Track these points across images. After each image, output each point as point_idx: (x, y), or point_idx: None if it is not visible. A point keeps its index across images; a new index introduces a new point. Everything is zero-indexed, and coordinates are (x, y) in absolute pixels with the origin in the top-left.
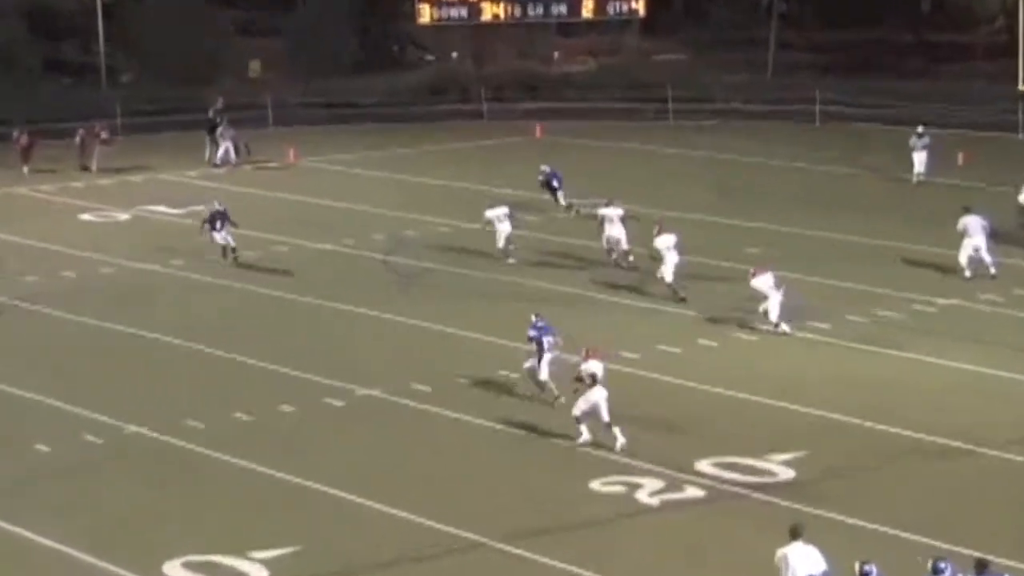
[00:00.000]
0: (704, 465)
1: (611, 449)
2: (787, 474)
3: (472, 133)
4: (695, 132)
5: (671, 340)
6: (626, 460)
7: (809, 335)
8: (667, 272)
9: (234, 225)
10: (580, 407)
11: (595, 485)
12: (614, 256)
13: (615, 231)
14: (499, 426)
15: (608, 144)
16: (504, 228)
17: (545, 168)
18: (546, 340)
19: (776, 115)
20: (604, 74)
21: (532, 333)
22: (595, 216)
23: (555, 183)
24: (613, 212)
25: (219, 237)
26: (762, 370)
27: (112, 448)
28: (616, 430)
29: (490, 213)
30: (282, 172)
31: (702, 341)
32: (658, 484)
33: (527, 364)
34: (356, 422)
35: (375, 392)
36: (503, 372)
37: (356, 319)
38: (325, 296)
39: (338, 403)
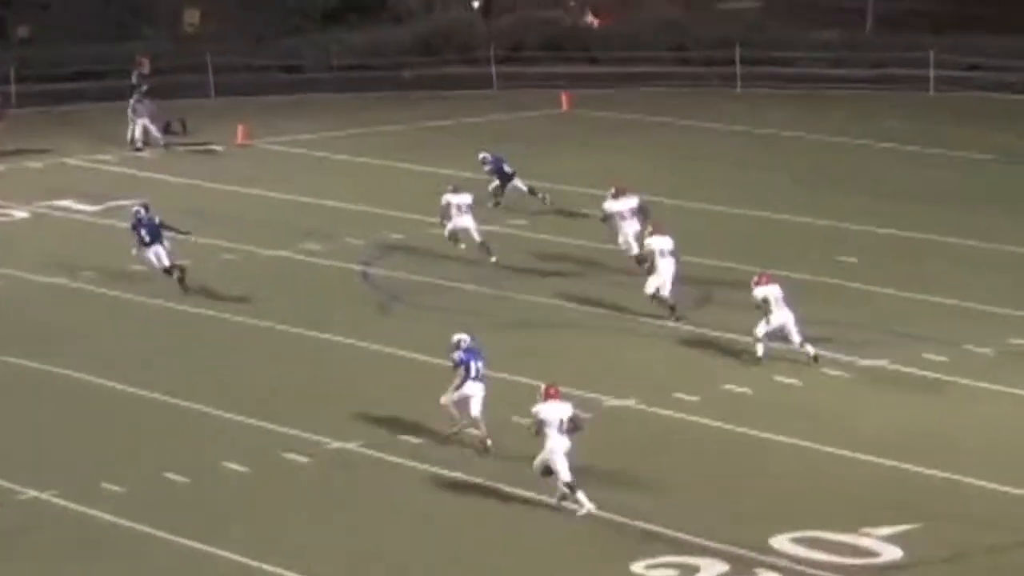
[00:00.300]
0: (781, 542)
1: (660, 522)
2: (892, 553)
3: (478, 105)
4: (769, 104)
5: (739, 377)
6: (680, 535)
7: (921, 371)
8: (654, 284)
9: (183, 234)
10: (543, 461)
11: (638, 568)
12: (646, 265)
13: (629, 227)
14: (512, 489)
15: (655, 119)
16: (463, 222)
17: (485, 155)
18: (474, 365)
19: (877, 82)
20: (652, 28)
21: (461, 356)
22: (606, 214)
23: (507, 168)
24: (624, 205)
25: (153, 256)
26: (859, 416)
27: (4, 519)
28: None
29: (452, 198)
30: (228, 156)
31: (779, 378)
32: (722, 567)
33: (474, 411)
34: (325, 484)
35: (350, 445)
36: (514, 417)
37: (326, 349)
38: (285, 319)
39: (302, 459)
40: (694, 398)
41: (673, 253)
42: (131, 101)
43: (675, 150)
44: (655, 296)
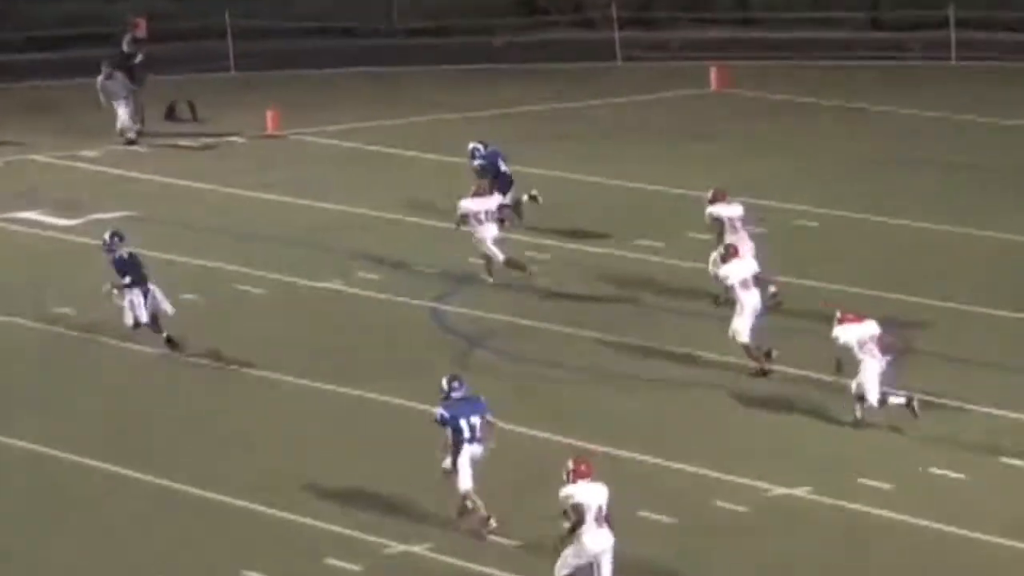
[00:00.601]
0: None
1: None
2: None
3: (595, 83)
4: (993, 81)
5: (946, 457)
6: None
7: None
8: (746, 328)
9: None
10: (567, 564)
11: None
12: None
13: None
14: None
15: (832, 103)
16: (487, 232)
17: (477, 146)
18: (466, 423)
19: None
20: None
21: (444, 414)
22: (713, 218)
23: (504, 167)
24: (731, 211)
25: (140, 308)
26: None
27: None
28: None
29: (469, 205)
30: (252, 151)
31: (1005, 460)
32: None
33: (463, 484)
34: None
35: (417, 548)
36: (643, 513)
37: (385, 415)
38: (329, 375)
39: (351, 567)
40: (887, 485)
41: (756, 283)
42: (99, 78)
43: (863, 144)
44: (750, 346)
